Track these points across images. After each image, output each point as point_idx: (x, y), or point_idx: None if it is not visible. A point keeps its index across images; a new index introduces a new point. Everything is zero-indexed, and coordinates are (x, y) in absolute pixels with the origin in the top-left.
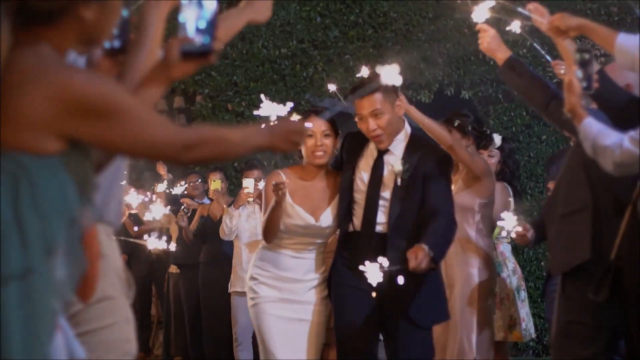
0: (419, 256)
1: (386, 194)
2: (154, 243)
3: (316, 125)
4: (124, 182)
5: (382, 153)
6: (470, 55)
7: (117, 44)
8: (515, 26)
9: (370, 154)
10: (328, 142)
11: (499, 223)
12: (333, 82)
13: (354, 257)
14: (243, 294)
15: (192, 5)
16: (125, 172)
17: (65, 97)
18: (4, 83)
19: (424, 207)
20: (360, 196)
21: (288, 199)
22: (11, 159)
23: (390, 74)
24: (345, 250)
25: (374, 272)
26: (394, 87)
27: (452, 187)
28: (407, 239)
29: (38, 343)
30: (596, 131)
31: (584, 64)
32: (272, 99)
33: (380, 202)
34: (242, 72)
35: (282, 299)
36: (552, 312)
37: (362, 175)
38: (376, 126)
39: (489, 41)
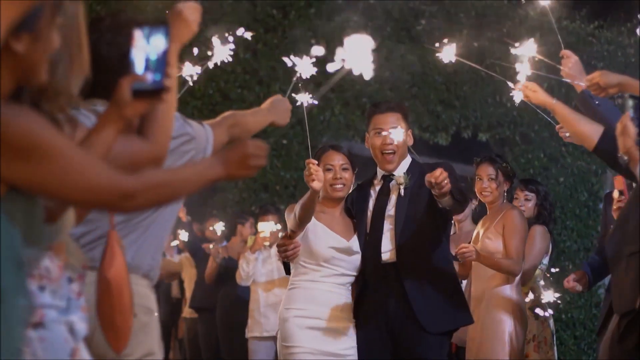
0: (439, 172)
1: (391, 210)
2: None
3: (335, 159)
4: (164, 236)
5: (387, 180)
6: (487, 97)
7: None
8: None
9: (376, 185)
10: (347, 175)
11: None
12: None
13: (369, 292)
14: (261, 338)
15: (142, 43)
16: (168, 227)
17: None
18: None
19: (430, 220)
20: (369, 225)
21: (317, 222)
22: None
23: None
24: (361, 288)
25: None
26: (408, 117)
27: (482, 230)
28: (419, 266)
29: None
30: None
31: (637, 108)
32: (291, 143)
33: (386, 225)
34: None
35: (320, 351)
36: (604, 352)
37: (371, 205)
38: (392, 142)
39: (570, 66)
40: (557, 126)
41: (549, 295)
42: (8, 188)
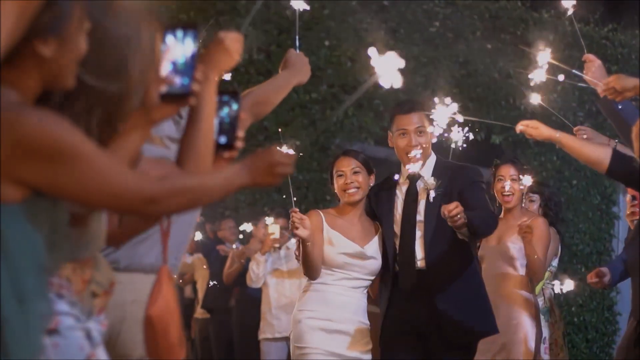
0: (454, 206)
1: (420, 216)
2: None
3: (344, 164)
4: (187, 236)
5: (414, 180)
6: (500, 99)
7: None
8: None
9: (402, 185)
10: (359, 178)
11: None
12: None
13: (398, 299)
14: (273, 339)
15: (171, 45)
16: (190, 227)
17: (12, 137)
18: None
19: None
20: (398, 227)
21: (330, 230)
22: None
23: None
24: (390, 293)
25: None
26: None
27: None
28: (447, 274)
29: None
30: None
31: None
32: (303, 144)
33: (417, 232)
34: (272, 116)
35: (333, 353)
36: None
37: (399, 207)
38: (418, 143)
39: (593, 71)
40: (575, 129)
41: (569, 284)
42: (31, 192)
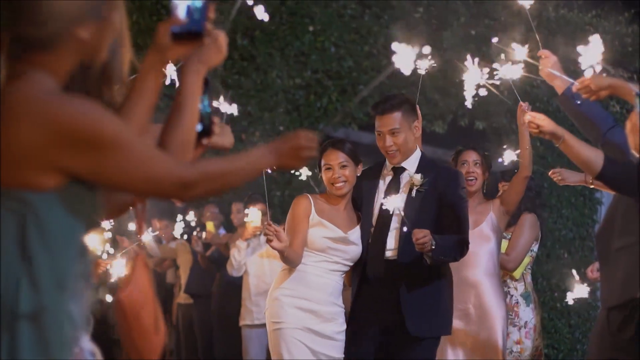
0: (423, 235)
1: (400, 210)
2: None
3: (333, 158)
4: None
5: (398, 172)
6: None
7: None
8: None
9: (386, 175)
10: (346, 172)
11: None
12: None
13: (366, 288)
14: (253, 326)
15: None
16: None
17: (54, 128)
18: (1, 119)
19: (438, 228)
20: (374, 219)
21: (317, 216)
22: (15, 197)
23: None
24: (359, 281)
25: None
26: (413, 108)
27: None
28: (418, 264)
29: None
30: None
31: None
32: (286, 129)
33: (393, 222)
34: (256, 102)
35: (308, 329)
36: (593, 344)
37: (380, 198)
38: (392, 143)
39: (550, 67)
40: (550, 172)
41: (582, 291)
42: (68, 180)
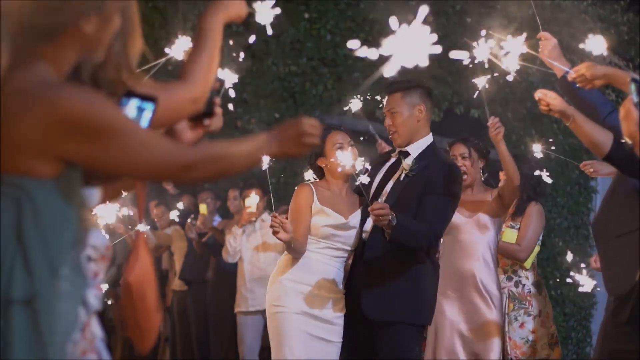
0: (379, 207)
1: (387, 189)
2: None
3: (340, 138)
4: None
5: (402, 156)
6: (480, 73)
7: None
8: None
9: (392, 158)
10: (356, 151)
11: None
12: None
13: (352, 270)
14: (248, 313)
15: None
16: None
17: (54, 117)
18: (1, 107)
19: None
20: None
21: (318, 203)
22: (12, 184)
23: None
24: (353, 264)
25: None
26: (421, 93)
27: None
28: (386, 247)
29: None
30: None
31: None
32: (282, 116)
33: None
34: (251, 89)
35: (308, 313)
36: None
37: (379, 178)
38: (390, 123)
39: (550, 50)
40: (581, 164)
41: (589, 284)
42: (65, 168)
